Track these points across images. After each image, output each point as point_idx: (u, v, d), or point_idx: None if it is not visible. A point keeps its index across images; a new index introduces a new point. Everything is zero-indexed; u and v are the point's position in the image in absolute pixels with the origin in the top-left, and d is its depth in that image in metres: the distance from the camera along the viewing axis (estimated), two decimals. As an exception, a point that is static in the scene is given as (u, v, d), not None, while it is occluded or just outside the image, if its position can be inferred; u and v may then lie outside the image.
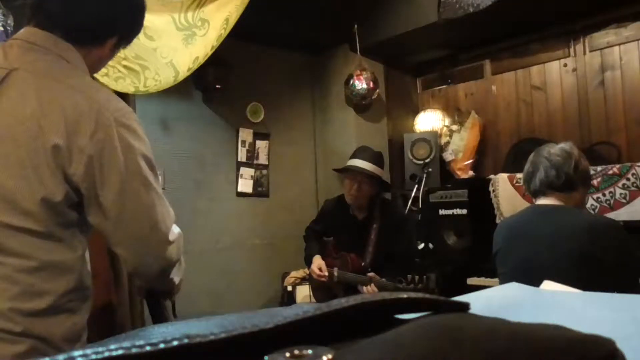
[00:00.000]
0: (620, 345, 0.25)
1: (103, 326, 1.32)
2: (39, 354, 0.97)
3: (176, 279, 1.20)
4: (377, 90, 3.70)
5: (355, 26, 3.58)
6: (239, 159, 3.67)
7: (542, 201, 1.77)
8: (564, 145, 1.76)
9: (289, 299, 3.56)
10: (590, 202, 2.60)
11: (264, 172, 3.80)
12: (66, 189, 0.99)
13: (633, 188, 2.53)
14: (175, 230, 1.13)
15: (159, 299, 1.32)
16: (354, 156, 2.82)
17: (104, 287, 1.33)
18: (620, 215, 2.51)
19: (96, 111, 0.99)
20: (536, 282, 0.65)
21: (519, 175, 2.91)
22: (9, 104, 0.99)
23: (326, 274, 2.69)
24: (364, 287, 2.56)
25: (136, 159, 1.03)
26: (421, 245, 3.14)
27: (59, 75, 1.02)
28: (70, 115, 0.97)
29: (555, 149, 1.75)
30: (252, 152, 3.74)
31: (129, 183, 1.02)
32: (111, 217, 1.03)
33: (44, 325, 0.98)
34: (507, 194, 2.96)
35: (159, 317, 1.34)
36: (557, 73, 3.39)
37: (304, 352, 0.22)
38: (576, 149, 1.76)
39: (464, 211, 3.07)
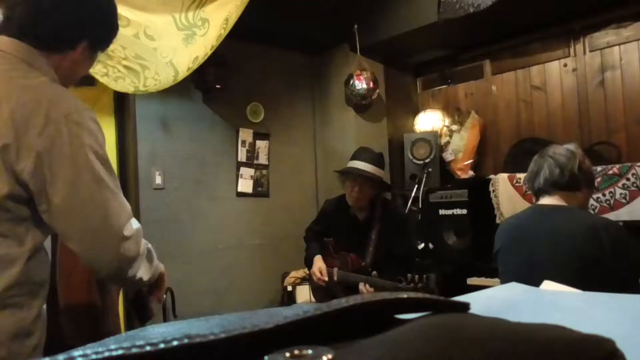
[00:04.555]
0: (620, 345, 0.25)
1: (86, 328, 1.30)
2: None
3: (144, 276, 1.17)
4: (377, 90, 3.70)
5: (355, 26, 3.58)
6: (239, 159, 3.67)
7: (545, 200, 1.78)
8: (569, 146, 1.79)
9: (289, 299, 3.56)
10: (590, 202, 2.59)
11: (264, 172, 3.80)
12: (13, 186, 1.00)
13: (633, 188, 2.53)
14: (132, 225, 1.12)
15: (144, 296, 1.32)
16: (354, 157, 2.81)
17: (81, 286, 1.31)
18: (620, 215, 2.51)
19: (45, 109, 1.01)
20: (536, 282, 0.65)
21: (519, 175, 2.91)
22: None
23: (326, 278, 2.69)
24: (364, 287, 2.56)
25: (86, 154, 1.04)
26: (421, 245, 3.15)
27: (14, 76, 1.05)
28: (18, 114, 0.99)
29: (560, 149, 1.78)
30: (252, 152, 3.74)
31: (79, 178, 1.02)
32: (61, 212, 1.03)
33: None
34: (507, 194, 2.96)
35: (143, 313, 1.35)
36: (557, 73, 3.39)
37: (304, 352, 0.22)
38: (580, 150, 1.79)
39: (464, 211, 3.07)
